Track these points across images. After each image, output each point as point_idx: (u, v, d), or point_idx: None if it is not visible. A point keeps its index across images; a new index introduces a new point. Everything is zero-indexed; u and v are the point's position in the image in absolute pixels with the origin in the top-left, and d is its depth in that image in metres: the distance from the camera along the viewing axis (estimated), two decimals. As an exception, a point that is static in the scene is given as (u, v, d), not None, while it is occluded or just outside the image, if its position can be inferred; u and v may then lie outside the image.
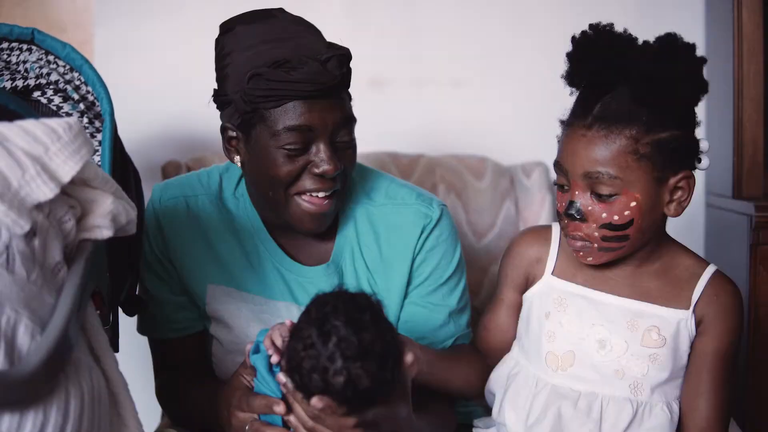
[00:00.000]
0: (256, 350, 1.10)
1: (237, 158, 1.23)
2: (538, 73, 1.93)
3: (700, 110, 2.19)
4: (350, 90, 1.23)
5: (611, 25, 1.15)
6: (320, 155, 1.16)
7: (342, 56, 1.15)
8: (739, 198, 1.80)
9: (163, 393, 1.37)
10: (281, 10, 1.22)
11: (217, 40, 1.22)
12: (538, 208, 1.78)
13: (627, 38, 1.14)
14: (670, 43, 1.12)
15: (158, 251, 1.29)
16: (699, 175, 2.00)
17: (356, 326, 0.96)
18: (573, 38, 1.17)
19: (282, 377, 1.01)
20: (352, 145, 1.21)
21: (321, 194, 1.19)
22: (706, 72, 1.16)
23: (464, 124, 2.00)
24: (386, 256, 1.30)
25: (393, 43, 1.99)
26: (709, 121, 1.99)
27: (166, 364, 1.35)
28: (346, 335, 0.95)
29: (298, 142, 1.15)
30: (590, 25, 1.16)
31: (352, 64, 1.19)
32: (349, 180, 1.24)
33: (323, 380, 0.96)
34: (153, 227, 1.29)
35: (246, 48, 1.16)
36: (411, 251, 1.29)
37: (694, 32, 1.99)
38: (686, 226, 2.01)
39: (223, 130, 1.23)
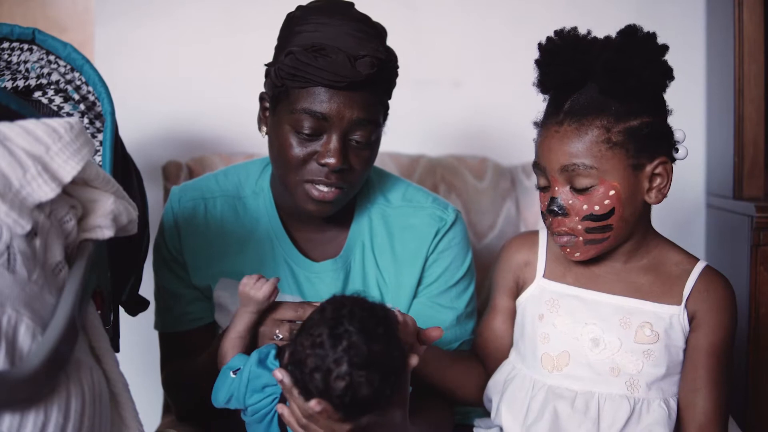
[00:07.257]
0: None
1: (264, 129, 1.27)
2: (538, 74, 1.93)
3: (701, 110, 2.19)
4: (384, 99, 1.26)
5: (575, 29, 1.18)
6: (328, 146, 1.19)
7: (376, 59, 1.17)
8: (740, 198, 1.80)
9: (170, 381, 1.37)
10: (351, 5, 1.25)
11: (286, 16, 1.25)
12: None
13: (591, 39, 1.17)
14: (630, 34, 1.14)
15: (174, 250, 1.32)
16: (699, 176, 2.03)
17: (369, 336, 0.94)
18: (539, 45, 1.19)
19: (278, 374, 0.99)
20: (368, 147, 1.22)
21: (323, 188, 1.20)
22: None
23: (464, 124, 2.00)
24: (399, 255, 1.32)
25: (393, 43, 1.99)
26: (710, 121, 1.99)
27: (176, 354, 1.36)
28: (357, 342, 0.94)
29: (310, 127, 1.18)
30: (555, 31, 1.19)
31: None
32: (360, 181, 1.25)
33: (324, 381, 0.95)
34: (171, 227, 1.32)
35: (299, 28, 1.20)
36: (424, 251, 1.32)
37: (694, 32, 1.98)
38: (687, 227, 2.01)
39: (261, 99, 1.28)
